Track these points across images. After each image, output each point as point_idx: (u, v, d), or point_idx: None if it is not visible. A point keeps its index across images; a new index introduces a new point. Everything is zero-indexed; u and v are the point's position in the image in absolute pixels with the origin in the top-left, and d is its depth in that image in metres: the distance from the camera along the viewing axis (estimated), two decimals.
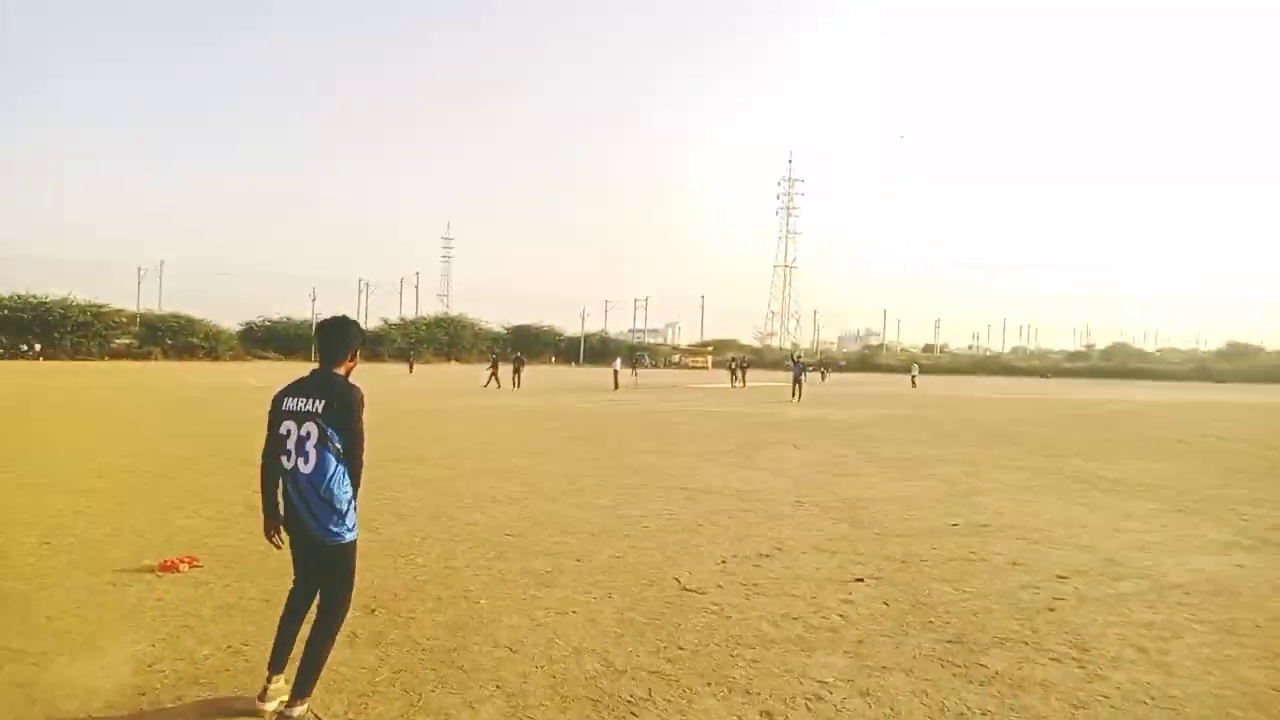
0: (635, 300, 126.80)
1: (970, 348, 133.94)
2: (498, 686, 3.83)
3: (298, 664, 3.52)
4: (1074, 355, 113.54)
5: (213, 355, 75.99)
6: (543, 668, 4.07)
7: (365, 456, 3.57)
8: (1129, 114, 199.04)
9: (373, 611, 4.90)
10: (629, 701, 3.69)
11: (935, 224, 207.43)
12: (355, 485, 3.55)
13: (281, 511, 3.58)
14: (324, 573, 3.58)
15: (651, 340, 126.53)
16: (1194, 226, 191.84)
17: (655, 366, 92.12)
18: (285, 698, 3.51)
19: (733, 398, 32.24)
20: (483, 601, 5.13)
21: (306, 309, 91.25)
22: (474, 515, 7.77)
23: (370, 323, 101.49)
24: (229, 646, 4.26)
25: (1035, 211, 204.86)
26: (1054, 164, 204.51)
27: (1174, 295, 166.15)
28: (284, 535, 3.61)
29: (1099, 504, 9.06)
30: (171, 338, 75.99)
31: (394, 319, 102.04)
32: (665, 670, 4.06)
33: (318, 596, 3.62)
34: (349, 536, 3.53)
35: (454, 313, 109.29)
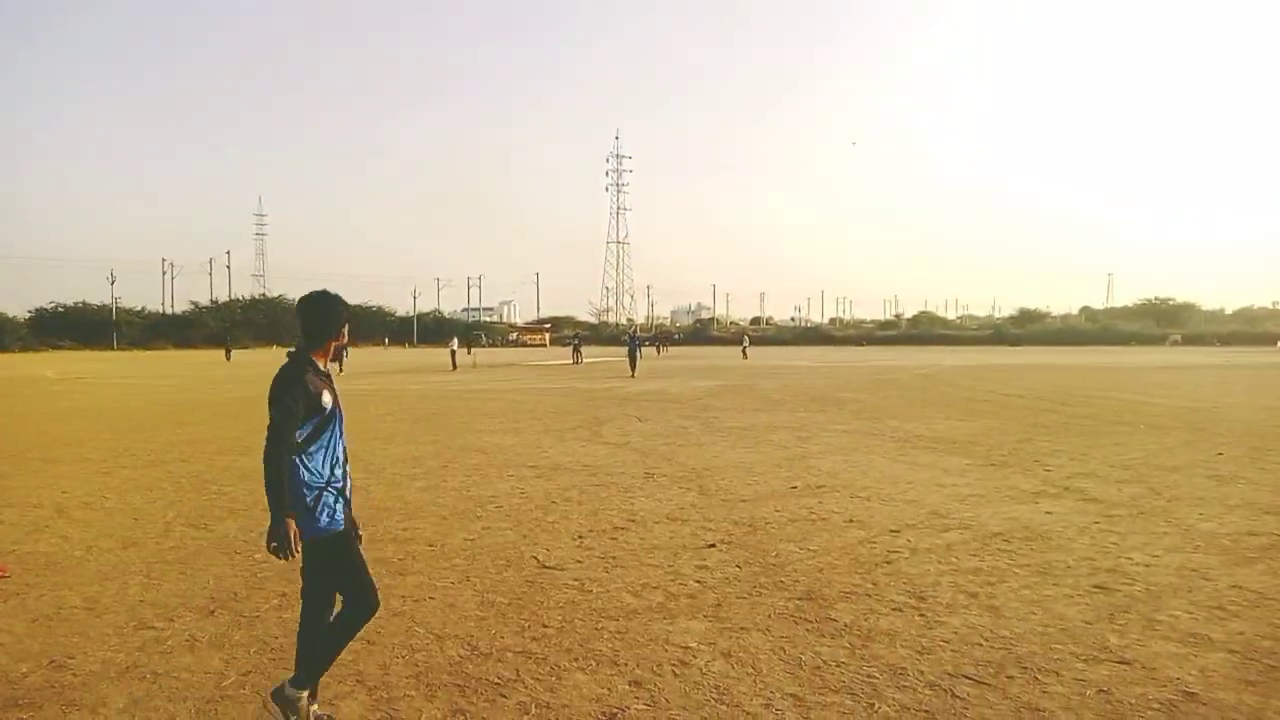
0: (469, 279, 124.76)
1: (793, 319, 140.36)
2: (358, 681, 3.70)
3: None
4: (885, 324, 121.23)
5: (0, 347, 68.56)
6: (404, 657, 3.96)
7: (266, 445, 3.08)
8: (950, 96, 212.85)
9: (212, 613, 4.60)
10: (496, 684, 3.64)
11: (757, 200, 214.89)
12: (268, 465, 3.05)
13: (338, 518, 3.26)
14: (302, 567, 3.34)
15: (487, 319, 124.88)
16: (990, 212, 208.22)
17: (493, 345, 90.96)
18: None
19: (573, 374, 32.34)
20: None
21: (105, 293, 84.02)
22: None
23: (177, 306, 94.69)
24: (51, 661, 3.87)
25: (845, 192, 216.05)
26: (869, 150, 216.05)
27: (972, 267, 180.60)
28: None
29: (919, 461, 9.74)
30: None
31: (205, 302, 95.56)
32: (531, 649, 4.04)
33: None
34: (319, 531, 3.19)
35: (273, 293, 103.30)
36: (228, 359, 49.00)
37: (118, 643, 4.13)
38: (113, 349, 75.93)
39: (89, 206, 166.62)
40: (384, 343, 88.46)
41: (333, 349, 3.38)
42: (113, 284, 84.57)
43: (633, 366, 31.54)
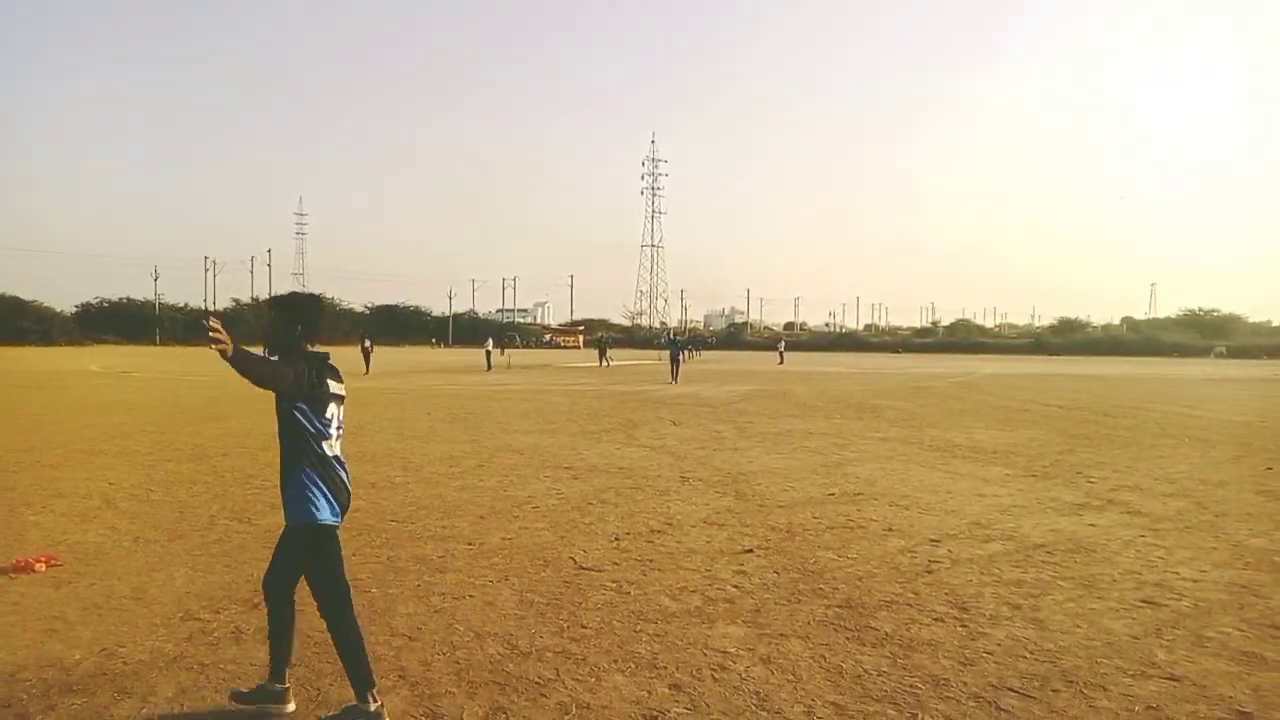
0: (504, 280, 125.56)
1: (827, 325, 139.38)
2: (400, 676, 3.73)
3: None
4: (921, 331, 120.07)
5: (46, 340, 70.30)
6: (445, 654, 3.99)
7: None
8: (969, 116, 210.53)
9: (256, 605, 4.65)
10: (537, 683, 3.66)
11: (794, 207, 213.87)
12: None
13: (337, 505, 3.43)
14: (299, 558, 3.45)
15: (522, 320, 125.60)
16: (1029, 223, 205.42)
17: (526, 346, 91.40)
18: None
19: (606, 376, 32.38)
20: (374, 590, 4.97)
21: (148, 289, 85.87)
22: (355, 502, 7.45)
23: (220, 303, 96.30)
24: (103, 649, 3.95)
25: (887, 200, 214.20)
26: (896, 161, 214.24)
27: (1011, 276, 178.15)
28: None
29: (959, 471, 9.63)
30: None
31: (246, 299, 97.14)
32: (571, 650, 4.05)
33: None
34: (310, 519, 3.36)
35: (312, 292, 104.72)
36: None
37: (166, 633, 4.21)
38: (155, 344, 77.44)
39: (136, 205, 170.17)
40: (433, 343, 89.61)
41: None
42: (156, 280, 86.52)
43: (675, 371, 29.08)
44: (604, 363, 41.82)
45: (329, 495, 3.32)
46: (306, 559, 3.34)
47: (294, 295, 3.50)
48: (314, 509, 3.26)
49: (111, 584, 5.01)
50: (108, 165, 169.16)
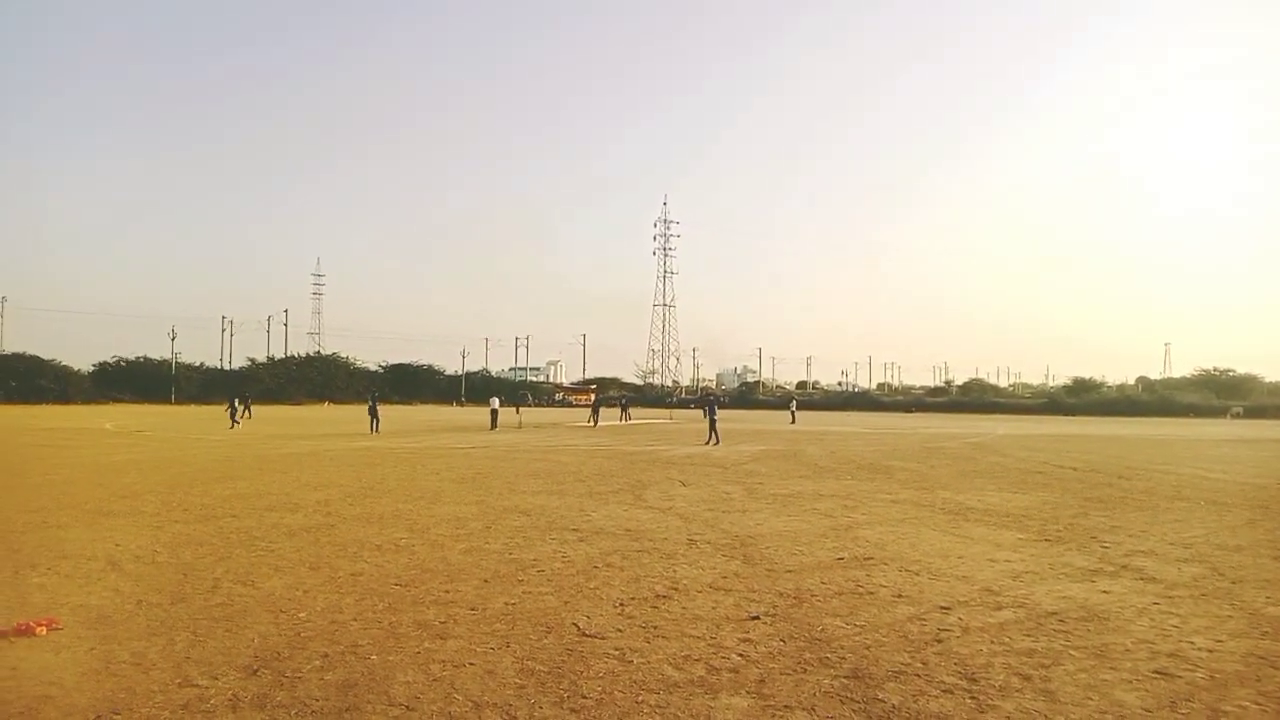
0: (516, 339, 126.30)
1: (840, 384, 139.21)
2: None
3: None
4: (934, 390, 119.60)
5: (63, 399, 70.98)
6: None
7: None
8: (983, 164, 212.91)
9: (255, 672, 4.63)
10: None
11: (807, 265, 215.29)
12: None
13: None
14: None
15: (534, 379, 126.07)
16: (1043, 282, 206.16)
17: (539, 405, 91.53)
18: None
19: (616, 435, 32.28)
20: (374, 657, 4.92)
21: (166, 348, 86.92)
22: (358, 565, 7.47)
23: (236, 362, 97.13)
24: (98, 716, 3.92)
25: (895, 256, 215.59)
26: (903, 215, 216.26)
27: (1025, 334, 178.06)
28: None
29: (971, 535, 9.50)
30: (16, 380, 70.60)
31: (261, 358, 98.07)
32: None
33: None
34: None
35: (326, 351, 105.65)
36: (247, 415, 42.88)
37: (162, 699, 4.17)
38: (170, 403, 77.97)
39: (154, 265, 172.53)
40: (456, 404, 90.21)
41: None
42: (173, 340, 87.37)
43: (713, 431, 27.33)
44: (594, 422, 41.33)
45: None
46: None
47: None
48: None
49: (111, 648, 4.98)
50: (126, 226, 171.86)
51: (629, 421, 45.09)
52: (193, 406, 73.15)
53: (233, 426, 34.61)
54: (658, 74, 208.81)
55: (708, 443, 26.64)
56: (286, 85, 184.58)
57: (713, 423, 28.15)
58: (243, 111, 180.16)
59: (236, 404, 37.70)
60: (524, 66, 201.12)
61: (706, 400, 30.70)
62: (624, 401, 51.18)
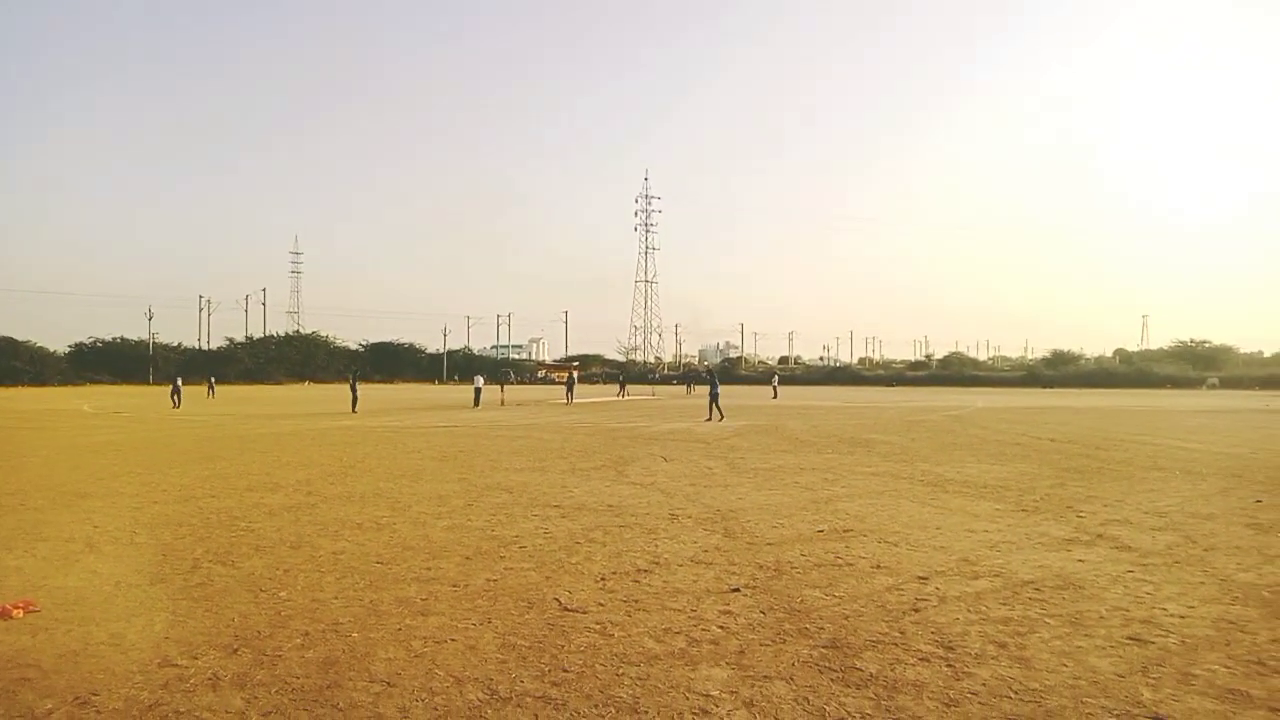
0: (498, 316, 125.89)
1: (821, 359, 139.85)
2: None
3: None
4: (915, 365, 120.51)
5: (39, 380, 70.24)
6: (423, 700, 3.94)
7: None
8: (967, 156, 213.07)
9: (235, 651, 4.62)
10: None
11: (788, 240, 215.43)
12: None
13: None
14: None
15: (516, 356, 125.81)
16: (1022, 257, 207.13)
17: (522, 382, 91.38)
18: None
19: (599, 412, 32.30)
20: (355, 634, 4.92)
21: (143, 329, 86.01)
22: (339, 543, 7.45)
23: (214, 342, 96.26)
24: (76, 698, 3.90)
25: (877, 234, 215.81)
26: (890, 195, 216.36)
27: (1004, 309, 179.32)
28: None
29: (949, 506, 9.60)
30: None
31: (240, 338, 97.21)
32: (551, 694, 4.00)
33: None
34: None
35: (306, 330, 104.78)
36: (209, 395, 48.37)
37: (142, 680, 4.16)
38: (149, 384, 77.24)
39: (130, 245, 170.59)
40: (435, 382, 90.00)
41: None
42: (150, 320, 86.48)
43: (713, 410, 27.23)
44: (569, 399, 42.25)
45: None
46: None
47: None
48: None
49: (89, 630, 4.95)
50: (101, 205, 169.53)
51: (626, 397, 50.38)
52: (170, 387, 72.55)
53: (175, 407, 34.74)
54: (636, 44, 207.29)
55: (709, 419, 26.46)
56: (261, 60, 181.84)
57: (714, 398, 28.02)
58: (216, 87, 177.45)
59: (179, 383, 38.98)
60: (500, 39, 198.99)
61: (711, 376, 30.44)
62: (621, 379, 62.08)
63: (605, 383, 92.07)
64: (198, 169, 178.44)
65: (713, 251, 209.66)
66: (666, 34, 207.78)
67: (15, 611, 5.19)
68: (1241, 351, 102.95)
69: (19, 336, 75.61)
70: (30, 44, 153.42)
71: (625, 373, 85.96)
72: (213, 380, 51.74)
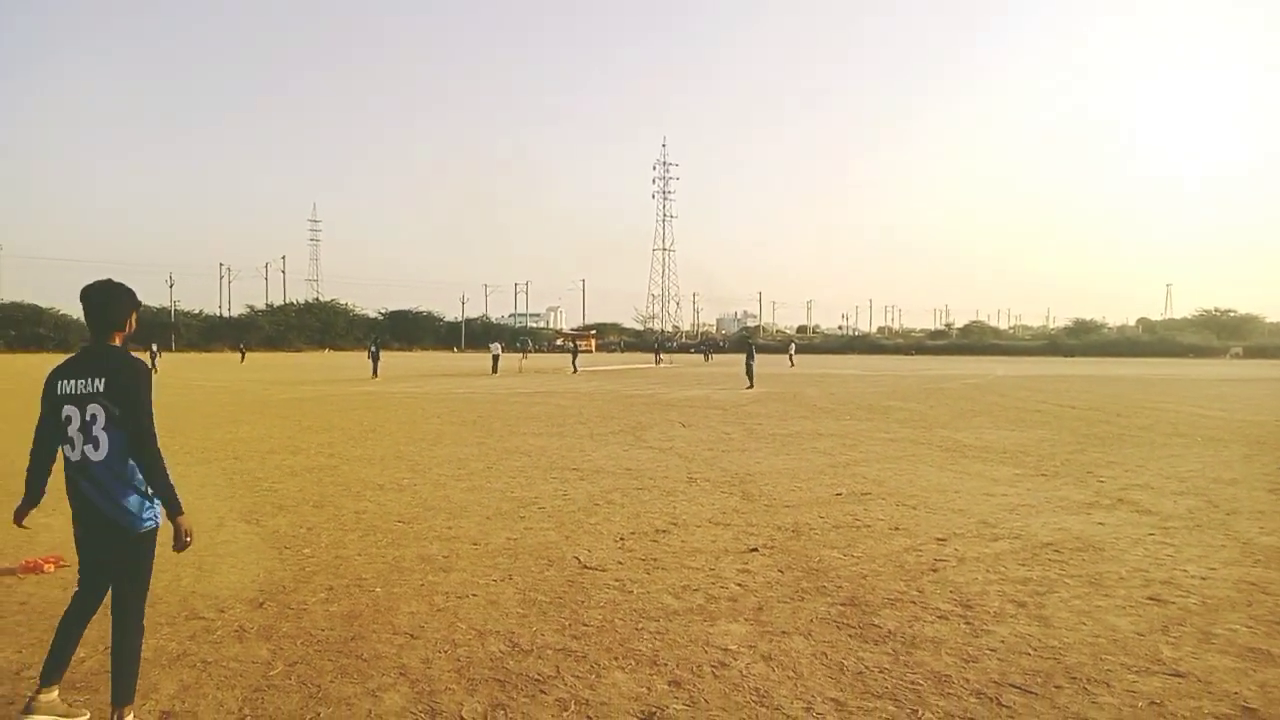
0: (516, 285, 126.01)
1: (840, 328, 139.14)
2: (400, 673, 3.73)
3: (112, 672, 3.21)
4: (935, 333, 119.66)
5: (63, 347, 71.20)
6: (446, 652, 4.00)
7: (161, 438, 3.28)
8: (992, 128, 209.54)
9: (261, 605, 4.69)
10: (536, 680, 3.66)
11: (808, 209, 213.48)
12: (157, 469, 3.21)
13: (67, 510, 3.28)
14: (127, 565, 3.27)
15: (534, 325, 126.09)
16: (1044, 225, 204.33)
17: (539, 351, 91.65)
18: (60, 713, 3.23)
19: (616, 380, 32.36)
20: (378, 589, 4.98)
21: (164, 296, 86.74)
22: (361, 503, 7.54)
23: (234, 309, 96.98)
24: (106, 647, 3.95)
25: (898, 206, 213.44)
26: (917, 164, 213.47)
27: (1026, 277, 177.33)
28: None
29: (968, 470, 9.57)
30: (15, 329, 70.67)
31: (260, 305, 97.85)
32: (572, 647, 4.05)
33: (115, 594, 3.31)
34: (154, 523, 3.27)
35: (325, 298, 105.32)
36: (241, 361, 50.83)
37: (169, 631, 4.24)
38: (170, 350, 78.05)
39: (151, 212, 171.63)
40: (454, 350, 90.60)
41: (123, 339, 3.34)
42: (171, 287, 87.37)
43: (750, 376, 27.70)
44: (658, 361, 44.72)
45: (71, 506, 3.24)
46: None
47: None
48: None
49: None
50: (122, 173, 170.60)
51: (665, 364, 52.54)
52: (192, 353, 73.27)
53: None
54: (655, 15, 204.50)
55: (749, 387, 26.27)
56: (283, 27, 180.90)
57: (750, 368, 28.17)
58: (237, 53, 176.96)
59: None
60: (521, 9, 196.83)
61: (749, 345, 30.94)
62: (658, 346, 68.00)
63: (623, 351, 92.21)
64: (220, 136, 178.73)
65: (730, 220, 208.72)
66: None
67: (46, 566, 5.29)
68: (1267, 320, 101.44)
69: (43, 304, 76.45)
70: (56, 8, 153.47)
71: (657, 340, 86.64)
72: (155, 349, 44.70)
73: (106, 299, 3.28)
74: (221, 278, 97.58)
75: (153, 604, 4.64)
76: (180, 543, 3.18)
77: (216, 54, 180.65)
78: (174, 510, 3.18)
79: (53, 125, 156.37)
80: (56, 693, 3.27)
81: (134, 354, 3.31)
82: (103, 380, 3.15)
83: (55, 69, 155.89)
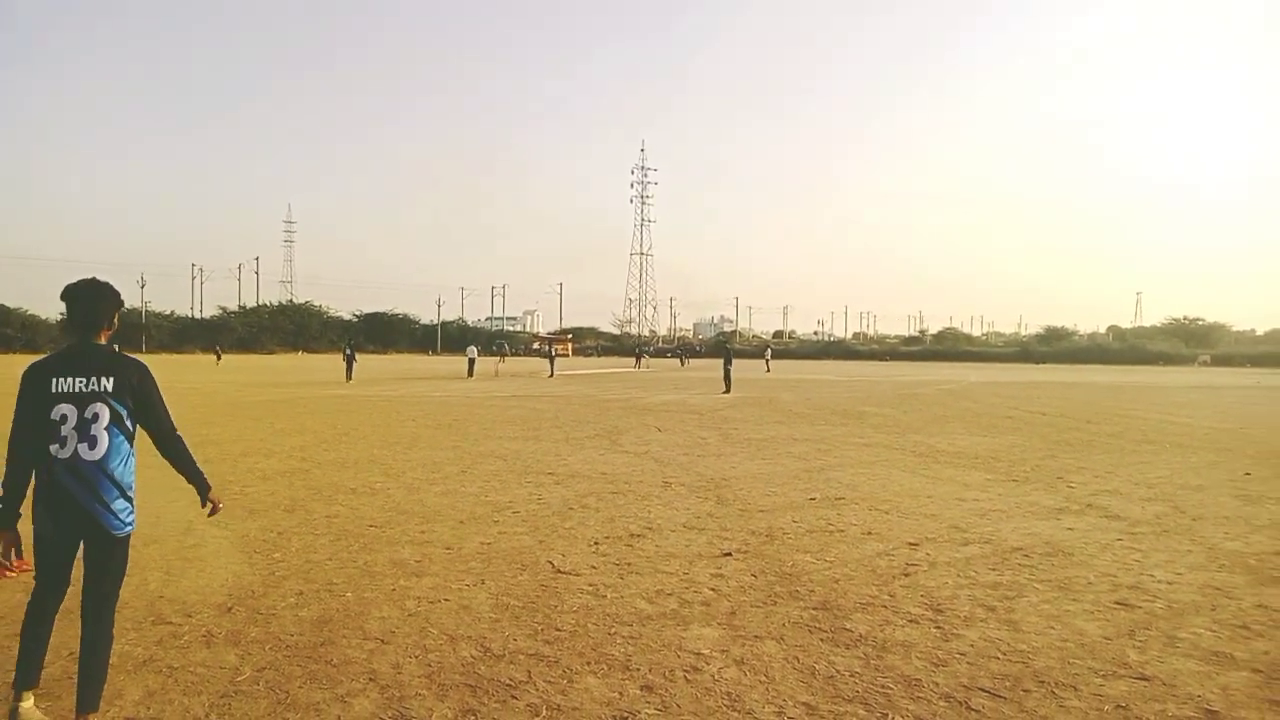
0: (493, 288, 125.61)
1: (816, 334, 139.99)
2: (370, 679, 3.70)
3: (79, 678, 3.19)
4: (909, 340, 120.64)
5: (31, 348, 70.11)
6: (417, 657, 3.96)
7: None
8: (951, 133, 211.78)
9: (229, 610, 4.64)
10: (508, 685, 3.64)
11: (784, 215, 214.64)
12: (187, 456, 3.48)
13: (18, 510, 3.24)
14: (108, 566, 3.26)
15: (511, 328, 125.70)
16: (1017, 234, 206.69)
17: (516, 354, 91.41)
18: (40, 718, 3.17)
19: (593, 384, 32.32)
20: (349, 594, 4.94)
21: (135, 296, 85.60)
22: (333, 507, 7.47)
23: (207, 311, 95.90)
24: (70, 653, 3.89)
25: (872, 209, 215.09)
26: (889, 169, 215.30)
27: (999, 285, 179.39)
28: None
29: (940, 476, 9.65)
30: None
31: (233, 306, 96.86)
32: (544, 652, 4.03)
33: (87, 597, 3.29)
34: (133, 527, 3.29)
35: (300, 300, 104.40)
36: (217, 362, 51.01)
37: (135, 637, 4.18)
38: (142, 352, 77.04)
39: (122, 212, 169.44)
40: (429, 353, 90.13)
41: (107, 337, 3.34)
42: (143, 288, 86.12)
43: (728, 381, 27.21)
44: (638, 366, 45.28)
45: (45, 503, 3.17)
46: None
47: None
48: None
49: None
50: (93, 171, 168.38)
51: (645, 369, 52.48)
52: (164, 355, 72.33)
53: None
54: (632, 17, 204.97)
55: (726, 392, 26.14)
56: (256, 25, 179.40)
57: (727, 373, 27.78)
58: (209, 51, 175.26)
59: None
60: (496, 7, 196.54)
61: (726, 350, 30.86)
62: (638, 350, 67.19)
63: (600, 355, 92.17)
64: (192, 136, 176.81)
65: (708, 226, 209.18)
66: (666, 1, 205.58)
67: (10, 572, 5.19)
68: (1234, 329, 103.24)
69: (10, 304, 75.27)
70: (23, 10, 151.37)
71: (633, 345, 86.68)
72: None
73: (94, 297, 3.27)
74: (194, 278, 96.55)
75: (119, 609, 4.55)
76: (215, 510, 3.63)
77: (189, 52, 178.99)
78: (205, 488, 3.55)
79: (21, 125, 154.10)
80: (32, 698, 3.21)
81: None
82: (111, 380, 3.16)
83: (21, 70, 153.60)
